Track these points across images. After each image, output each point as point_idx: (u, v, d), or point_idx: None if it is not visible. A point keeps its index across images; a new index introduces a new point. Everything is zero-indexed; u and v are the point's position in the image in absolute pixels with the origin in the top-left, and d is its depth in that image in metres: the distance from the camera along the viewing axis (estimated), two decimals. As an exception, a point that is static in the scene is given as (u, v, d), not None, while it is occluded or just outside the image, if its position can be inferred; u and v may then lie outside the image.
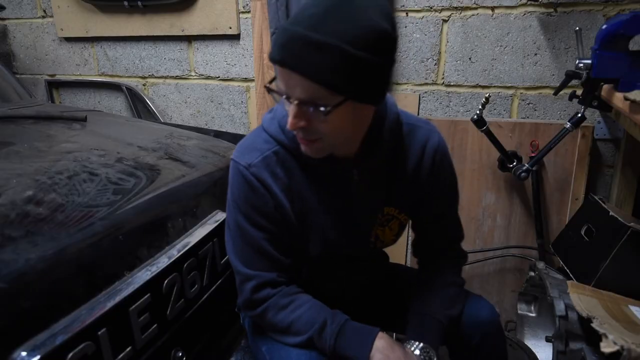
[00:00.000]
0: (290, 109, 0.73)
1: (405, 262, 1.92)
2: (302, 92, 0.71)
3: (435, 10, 1.71)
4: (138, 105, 2.22)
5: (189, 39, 2.07)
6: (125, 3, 2.02)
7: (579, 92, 1.42)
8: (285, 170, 0.88)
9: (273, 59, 0.71)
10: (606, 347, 0.92)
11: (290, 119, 0.74)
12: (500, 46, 1.68)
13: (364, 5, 0.68)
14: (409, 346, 0.89)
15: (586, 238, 1.37)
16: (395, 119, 0.89)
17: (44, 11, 2.28)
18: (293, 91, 0.71)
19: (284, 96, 0.74)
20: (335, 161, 0.86)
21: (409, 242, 1.89)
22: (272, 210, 0.88)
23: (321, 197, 0.90)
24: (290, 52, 0.68)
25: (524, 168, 1.54)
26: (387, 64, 0.73)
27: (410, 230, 1.08)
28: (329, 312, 0.89)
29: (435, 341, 0.91)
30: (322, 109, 0.71)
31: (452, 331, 0.96)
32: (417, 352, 0.88)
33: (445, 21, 1.71)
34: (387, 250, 1.10)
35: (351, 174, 0.89)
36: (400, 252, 1.89)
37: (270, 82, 0.79)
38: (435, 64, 1.76)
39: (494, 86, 1.73)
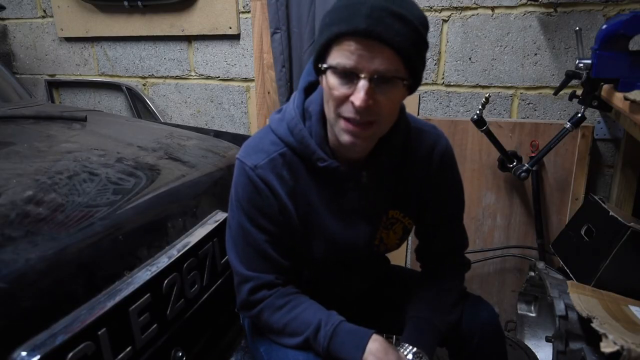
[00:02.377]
0: (362, 84, 0.72)
1: (405, 264, 1.92)
2: (382, 63, 0.71)
3: (435, 10, 1.71)
4: (138, 105, 2.22)
5: (189, 39, 2.07)
6: (125, 3, 2.02)
7: (579, 92, 1.42)
8: (292, 172, 0.88)
9: (355, 29, 0.69)
10: (606, 347, 0.92)
11: (362, 95, 0.71)
12: (500, 46, 1.68)
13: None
14: (402, 350, 0.88)
15: (586, 238, 1.37)
16: (405, 122, 0.89)
17: (44, 11, 2.28)
18: (370, 64, 0.71)
19: (344, 76, 0.73)
20: (346, 163, 0.86)
21: (410, 245, 1.89)
22: (276, 213, 0.88)
23: (327, 200, 0.90)
24: (378, 20, 0.68)
25: (524, 168, 1.54)
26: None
27: (412, 235, 1.07)
28: (324, 314, 0.89)
29: (430, 346, 0.90)
30: (399, 81, 0.73)
31: (452, 333, 0.96)
32: (410, 356, 0.87)
33: (445, 21, 1.71)
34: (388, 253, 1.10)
35: (360, 176, 0.89)
36: (401, 254, 1.89)
37: (320, 63, 0.76)
38: (435, 64, 1.76)
39: (494, 86, 1.73)
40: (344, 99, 0.74)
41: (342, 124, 0.77)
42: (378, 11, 0.68)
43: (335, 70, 0.74)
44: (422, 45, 0.75)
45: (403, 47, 0.70)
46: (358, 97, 0.72)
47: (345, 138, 0.78)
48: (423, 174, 0.93)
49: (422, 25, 0.73)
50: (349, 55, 0.71)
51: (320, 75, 0.79)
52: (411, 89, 0.79)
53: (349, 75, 0.73)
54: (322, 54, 0.76)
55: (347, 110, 0.75)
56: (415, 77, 0.77)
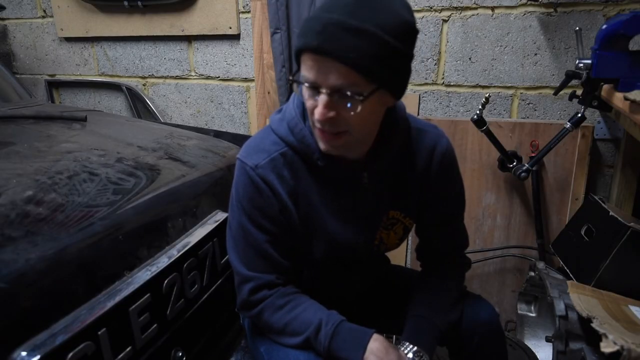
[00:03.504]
0: (320, 99, 0.73)
1: (405, 264, 1.92)
2: (337, 79, 0.71)
3: (435, 10, 1.71)
4: (138, 105, 2.22)
5: (189, 39, 2.07)
6: (125, 3, 2.02)
7: (579, 92, 1.42)
8: (292, 172, 0.88)
9: (307, 45, 0.70)
10: (606, 347, 0.92)
11: (319, 109, 0.73)
12: (500, 46, 1.68)
13: None
14: (402, 348, 0.88)
15: (586, 238, 1.37)
16: (404, 121, 0.89)
17: (44, 11, 2.28)
18: (326, 79, 0.71)
19: (310, 88, 0.74)
20: (346, 163, 0.86)
21: (410, 244, 1.89)
22: (276, 213, 0.88)
23: (328, 200, 0.90)
24: (328, 37, 0.68)
25: (524, 168, 1.54)
26: (411, 56, 0.76)
27: (412, 234, 1.07)
28: (324, 313, 0.89)
29: (430, 345, 0.90)
30: (357, 96, 0.72)
31: (452, 332, 0.96)
32: (410, 355, 0.87)
33: (445, 21, 1.71)
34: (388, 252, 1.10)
35: (361, 177, 0.89)
36: (401, 254, 1.89)
37: (293, 74, 0.78)
38: (435, 64, 1.76)
39: (494, 86, 1.73)
40: (314, 109, 0.76)
41: (317, 131, 0.80)
42: (332, 27, 0.68)
43: (302, 83, 0.75)
44: (391, 56, 0.71)
45: (359, 63, 0.69)
46: (317, 110, 0.74)
47: (321, 145, 0.81)
48: (424, 174, 0.93)
49: (393, 34, 0.69)
50: (309, 70, 0.73)
51: None
52: (395, 96, 0.79)
53: (313, 88, 0.74)
54: (298, 65, 0.78)
55: (315, 121, 0.77)
56: (389, 87, 0.76)
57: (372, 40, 0.68)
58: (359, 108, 0.73)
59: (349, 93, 0.71)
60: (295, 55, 0.76)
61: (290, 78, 0.78)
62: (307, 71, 0.73)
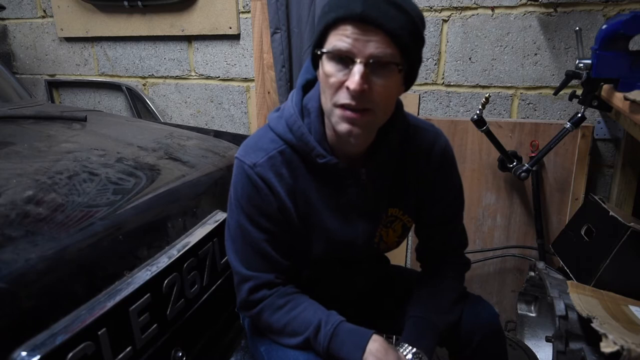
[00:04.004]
0: (357, 68, 0.72)
1: (405, 264, 1.92)
2: (377, 47, 0.71)
3: (435, 10, 1.71)
4: (138, 105, 2.22)
5: (189, 39, 2.07)
6: (125, 3, 2.02)
7: (579, 92, 1.42)
8: (291, 170, 0.88)
9: (351, 13, 0.70)
10: (606, 347, 0.92)
11: (357, 79, 0.72)
12: (500, 46, 1.68)
13: None
14: (401, 350, 0.88)
15: (586, 238, 1.37)
16: (403, 119, 0.90)
17: (44, 11, 2.28)
18: (365, 48, 0.71)
19: (340, 61, 0.73)
20: (345, 160, 0.86)
21: (410, 244, 1.89)
22: (275, 212, 0.88)
23: (326, 197, 0.90)
24: (374, 4, 0.70)
25: (524, 168, 1.54)
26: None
27: (412, 234, 1.08)
28: (324, 313, 0.89)
29: (429, 346, 0.90)
30: (394, 67, 0.73)
31: (452, 333, 0.96)
32: (410, 356, 0.87)
33: (445, 21, 1.71)
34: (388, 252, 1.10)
35: (359, 174, 0.89)
36: (401, 254, 1.89)
37: (318, 49, 0.77)
38: (435, 64, 1.76)
39: (494, 86, 1.73)
40: (340, 86, 0.75)
41: (339, 111, 0.77)
42: None
43: (331, 55, 0.74)
44: (418, 38, 0.76)
45: (399, 34, 0.72)
46: (353, 80, 0.72)
47: (342, 127, 0.78)
48: (422, 172, 0.93)
49: (419, 18, 0.75)
50: (345, 39, 0.72)
51: (317, 66, 0.80)
52: (407, 83, 0.81)
53: (344, 60, 0.73)
54: (320, 41, 0.77)
55: (343, 97, 0.75)
56: (411, 67, 0.78)
57: (408, 17, 0.72)
58: (391, 82, 0.75)
59: (386, 64, 0.73)
60: (322, 30, 0.75)
61: (318, 52, 0.76)
62: (340, 42, 0.72)
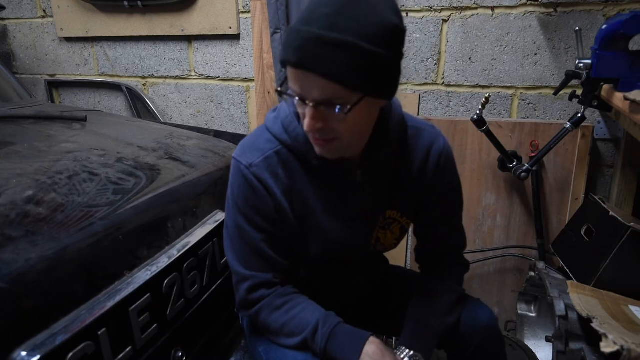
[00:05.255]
0: (307, 111, 0.73)
1: (405, 265, 1.92)
2: (320, 93, 0.70)
3: (435, 10, 1.71)
4: (138, 105, 2.22)
5: (189, 39, 2.07)
6: (125, 3, 2.02)
7: (579, 92, 1.42)
8: (287, 170, 0.88)
9: (288, 61, 0.70)
10: (606, 347, 0.92)
11: (307, 121, 0.73)
12: (500, 46, 1.68)
13: (373, 1, 0.68)
14: (399, 352, 0.88)
15: (586, 238, 1.37)
16: (400, 120, 0.89)
17: (44, 11, 2.28)
18: (310, 93, 0.71)
19: (297, 99, 0.73)
20: (340, 161, 0.86)
21: (410, 245, 1.89)
22: (271, 212, 0.88)
23: (323, 198, 0.90)
24: (307, 53, 0.67)
25: (524, 168, 1.54)
26: (398, 58, 0.74)
27: (411, 234, 1.07)
28: (322, 314, 0.89)
29: (427, 349, 0.90)
30: (342, 107, 0.71)
31: (451, 336, 0.96)
32: (407, 359, 0.87)
33: (445, 21, 1.71)
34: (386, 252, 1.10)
35: (355, 175, 0.89)
36: (400, 255, 1.89)
37: (281, 85, 0.78)
38: (435, 64, 1.76)
39: (494, 86, 1.73)
40: (304, 117, 0.76)
41: (310, 137, 0.80)
42: (310, 42, 0.67)
43: (289, 95, 0.75)
44: (374, 64, 0.69)
45: (340, 76, 0.68)
46: (305, 122, 0.74)
47: (316, 150, 0.81)
48: (420, 173, 0.93)
49: (376, 41, 0.67)
50: (294, 83, 0.72)
51: None
52: (384, 94, 0.76)
53: (301, 99, 0.74)
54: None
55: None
56: (375, 93, 0.74)
57: (353, 51, 0.66)
58: (346, 118, 0.73)
59: (333, 104, 0.71)
60: (281, 65, 0.76)
61: (278, 89, 0.77)
62: (292, 84, 0.73)
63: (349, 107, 0.71)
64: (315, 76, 0.68)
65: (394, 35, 0.70)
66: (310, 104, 0.72)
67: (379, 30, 0.68)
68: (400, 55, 0.74)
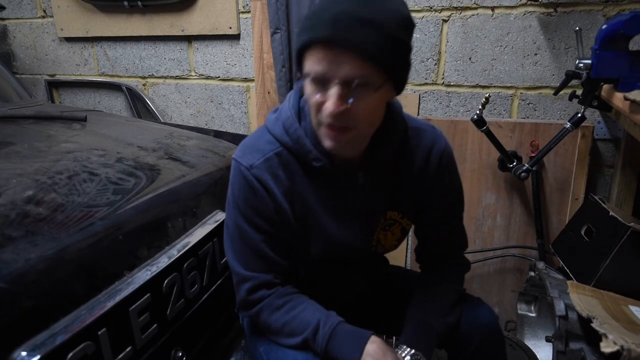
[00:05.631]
0: (333, 91, 0.72)
1: (405, 265, 1.92)
2: (350, 70, 0.70)
3: (435, 10, 1.71)
4: (138, 105, 2.22)
5: (189, 39, 2.07)
6: (125, 3, 2.02)
7: (579, 92, 1.42)
8: (287, 172, 0.88)
9: (318, 38, 0.69)
10: (606, 347, 0.92)
11: (333, 101, 0.72)
12: (500, 46, 1.68)
13: None
14: (400, 351, 0.88)
15: (586, 238, 1.37)
16: (401, 121, 0.89)
17: (44, 11, 2.28)
18: (338, 71, 0.70)
19: (317, 83, 0.73)
20: (341, 163, 0.86)
21: (410, 245, 1.89)
22: (272, 213, 0.88)
23: (323, 200, 0.90)
24: (341, 28, 0.68)
25: (524, 168, 1.54)
26: (412, 48, 0.77)
27: (412, 234, 1.07)
28: (323, 314, 0.89)
29: (428, 348, 0.90)
30: (369, 87, 0.72)
31: (451, 335, 0.96)
32: (408, 358, 0.86)
33: (445, 21, 1.71)
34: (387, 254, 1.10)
35: (356, 176, 0.89)
36: (400, 255, 1.89)
37: (298, 70, 0.77)
38: (435, 64, 1.76)
39: (494, 86, 1.73)
40: (321, 106, 0.75)
41: (322, 129, 0.78)
42: (343, 18, 0.68)
43: (309, 77, 0.74)
44: (399, 47, 0.73)
45: (371, 53, 0.69)
46: (329, 103, 0.72)
47: (326, 143, 0.79)
48: (421, 174, 0.93)
49: (398, 26, 0.71)
50: (319, 62, 0.71)
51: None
52: (397, 90, 0.79)
53: (322, 82, 0.73)
54: (299, 62, 0.77)
55: (324, 117, 0.75)
56: (396, 79, 0.76)
57: (382, 30, 0.69)
58: (370, 100, 0.73)
59: (361, 84, 0.71)
60: (298, 51, 0.75)
61: (299, 75, 0.77)
62: (315, 65, 0.72)
63: (375, 87, 0.72)
64: (346, 53, 0.69)
65: (410, 26, 0.75)
66: (337, 84, 0.71)
67: (400, 18, 0.72)
68: (412, 48, 0.77)
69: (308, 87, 0.75)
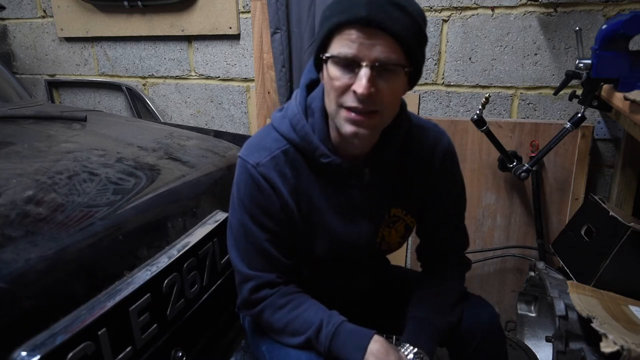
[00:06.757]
0: (364, 72, 0.72)
1: (405, 265, 1.92)
2: (383, 51, 0.72)
3: (435, 10, 1.71)
4: (138, 105, 2.22)
5: (189, 39, 2.07)
6: (125, 3, 2.02)
7: (579, 92, 1.42)
8: (294, 170, 0.88)
9: (355, 17, 0.70)
10: (606, 347, 0.92)
11: (364, 83, 0.72)
12: (500, 46, 1.68)
13: None
14: (402, 350, 0.88)
15: (586, 238, 1.37)
16: (406, 119, 0.90)
17: (44, 11, 2.28)
18: (371, 52, 0.72)
19: (345, 65, 0.73)
20: (348, 160, 0.86)
21: (411, 245, 1.89)
22: (278, 211, 0.88)
23: (329, 197, 0.90)
24: (378, 9, 0.70)
25: (524, 168, 1.54)
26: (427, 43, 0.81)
27: (413, 234, 1.07)
28: (325, 313, 0.89)
29: (430, 347, 0.90)
30: (400, 69, 0.74)
31: (452, 334, 0.96)
32: (411, 356, 0.87)
33: (445, 21, 1.71)
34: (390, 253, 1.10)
35: (363, 173, 0.89)
36: (401, 255, 1.89)
37: (322, 53, 0.77)
38: (435, 64, 1.76)
39: (494, 86, 1.73)
40: (346, 89, 0.75)
41: (344, 113, 0.77)
42: (376, 0, 0.70)
43: (336, 59, 0.74)
44: (422, 38, 0.77)
45: (404, 36, 0.72)
46: (360, 84, 0.72)
47: (347, 128, 0.78)
48: (425, 171, 0.93)
49: (421, 18, 0.75)
50: (350, 44, 0.72)
51: (320, 68, 0.80)
52: (412, 82, 0.81)
53: (350, 65, 0.73)
54: (323, 46, 0.77)
55: (349, 100, 0.75)
56: (416, 68, 0.78)
57: (412, 18, 0.72)
58: (397, 84, 0.75)
59: (390, 68, 0.73)
60: (325, 34, 0.75)
61: (322, 56, 0.76)
62: (345, 47, 0.73)
63: (402, 73, 0.75)
64: (380, 33, 0.71)
65: (426, 27, 0.78)
66: (368, 67, 0.72)
67: (422, 10, 0.76)
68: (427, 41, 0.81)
69: (332, 70, 0.75)
